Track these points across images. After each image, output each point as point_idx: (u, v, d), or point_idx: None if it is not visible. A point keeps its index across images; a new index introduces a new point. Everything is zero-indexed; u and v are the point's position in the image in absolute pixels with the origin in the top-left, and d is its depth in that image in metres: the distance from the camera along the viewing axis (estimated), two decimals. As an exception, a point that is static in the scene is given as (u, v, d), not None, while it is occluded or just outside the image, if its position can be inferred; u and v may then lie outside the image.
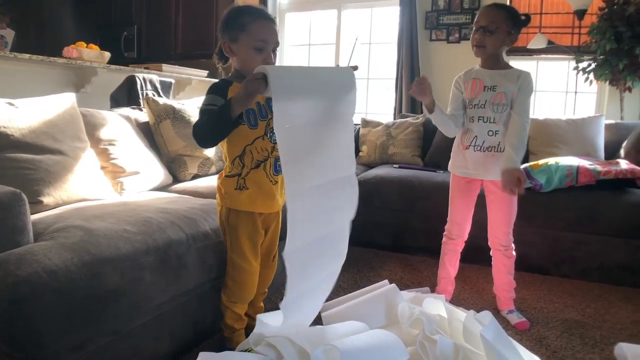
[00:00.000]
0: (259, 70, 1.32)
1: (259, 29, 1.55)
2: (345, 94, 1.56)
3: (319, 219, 1.50)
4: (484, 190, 2.16)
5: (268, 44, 1.57)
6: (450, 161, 2.24)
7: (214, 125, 1.45)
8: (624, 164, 2.76)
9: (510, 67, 2.10)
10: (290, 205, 1.32)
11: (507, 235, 2.12)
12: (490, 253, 2.20)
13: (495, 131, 2.04)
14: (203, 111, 1.52)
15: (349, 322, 1.68)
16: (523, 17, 2.05)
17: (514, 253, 2.15)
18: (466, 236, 2.23)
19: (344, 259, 1.69)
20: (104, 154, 2.18)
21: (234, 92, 1.50)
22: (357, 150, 3.96)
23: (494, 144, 2.05)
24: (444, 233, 2.27)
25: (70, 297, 1.20)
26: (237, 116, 1.42)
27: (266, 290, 1.84)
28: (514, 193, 1.99)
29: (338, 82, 1.55)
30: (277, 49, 1.63)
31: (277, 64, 1.65)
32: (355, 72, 1.60)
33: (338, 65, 1.58)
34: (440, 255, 2.28)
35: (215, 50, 1.70)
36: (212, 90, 1.56)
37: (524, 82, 2.03)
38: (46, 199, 1.72)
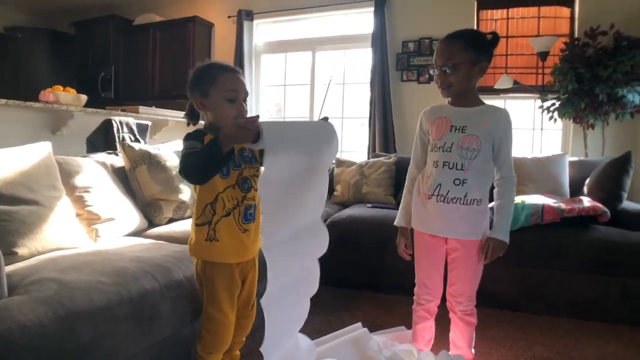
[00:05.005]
0: (255, 125, 1.36)
1: (229, 81, 1.62)
2: (327, 146, 1.60)
3: (292, 266, 1.56)
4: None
5: (239, 93, 1.63)
6: (411, 215, 1.98)
7: (206, 160, 1.47)
8: (586, 202, 2.87)
9: (483, 104, 1.84)
10: (268, 258, 1.38)
11: (470, 298, 1.88)
12: (449, 315, 1.96)
13: (463, 180, 1.77)
14: (187, 154, 1.54)
15: None
16: (489, 36, 1.78)
17: (474, 319, 1.90)
18: (439, 299, 1.97)
19: (315, 290, 1.73)
20: (79, 202, 2.20)
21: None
22: (332, 190, 4.03)
23: (460, 194, 1.78)
24: (414, 297, 2.02)
25: (43, 353, 1.21)
26: (228, 152, 1.46)
27: (244, 339, 1.85)
28: (486, 261, 1.83)
29: (320, 135, 1.59)
30: (248, 97, 1.69)
31: (254, 105, 1.70)
32: (330, 113, 1.65)
33: (319, 119, 1.63)
34: (412, 323, 2.05)
35: (185, 111, 1.74)
36: (190, 137, 1.59)
37: (504, 126, 1.78)
38: (21, 250, 1.73)
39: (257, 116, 1.40)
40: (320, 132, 1.61)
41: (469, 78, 1.79)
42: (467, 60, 1.74)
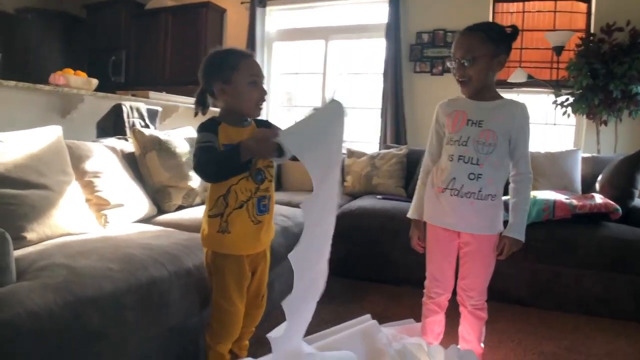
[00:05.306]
0: (274, 140, 1.39)
1: (250, 66, 1.62)
2: (338, 126, 1.56)
3: (313, 267, 1.54)
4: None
5: (259, 78, 1.63)
6: (424, 207, 1.95)
7: (224, 166, 1.51)
8: (598, 198, 2.84)
9: (501, 98, 1.81)
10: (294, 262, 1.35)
11: (481, 293, 1.86)
12: (459, 309, 1.95)
13: (478, 175, 1.74)
14: (203, 149, 1.53)
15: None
16: (509, 30, 1.75)
17: (485, 314, 1.88)
18: (450, 293, 1.94)
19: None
20: (89, 187, 2.18)
21: (224, 131, 1.56)
22: (342, 180, 4.00)
23: (475, 189, 1.75)
24: (424, 290, 1.99)
25: (51, 339, 1.21)
26: (247, 160, 1.49)
27: (254, 329, 1.84)
28: (501, 257, 1.82)
29: (332, 118, 1.54)
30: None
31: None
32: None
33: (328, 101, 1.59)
34: (422, 317, 2.03)
35: (195, 99, 1.68)
36: (204, 129, 1.58)
37: (521, 121, 1.76)
38: (30, 235, 1.72)
39: (277, 127, 1.41)
40: (330, 114, 1.55)
41: (488, 71, 1.76)
42: (486, 54, 1.72)
